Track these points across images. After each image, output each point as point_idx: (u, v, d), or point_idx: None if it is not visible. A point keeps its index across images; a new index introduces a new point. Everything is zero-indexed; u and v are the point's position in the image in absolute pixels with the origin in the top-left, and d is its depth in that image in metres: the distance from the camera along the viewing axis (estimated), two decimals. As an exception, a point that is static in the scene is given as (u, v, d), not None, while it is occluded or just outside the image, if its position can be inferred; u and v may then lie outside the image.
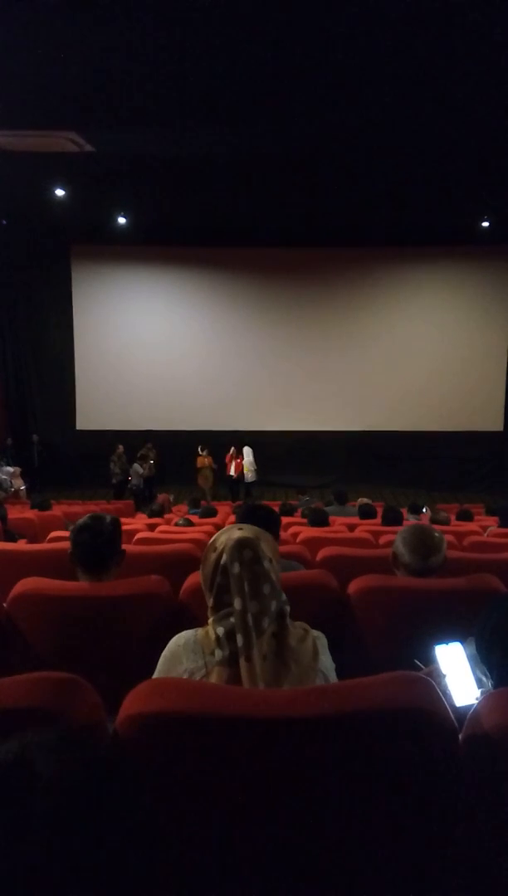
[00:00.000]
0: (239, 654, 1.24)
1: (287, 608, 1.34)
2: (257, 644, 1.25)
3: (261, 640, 1.27)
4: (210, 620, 1.34)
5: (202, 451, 12.67)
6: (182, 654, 1.33)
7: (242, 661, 1.24)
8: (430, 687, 1.09)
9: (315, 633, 1.39)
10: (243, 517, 2.40)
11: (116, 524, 2.22)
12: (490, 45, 6.14)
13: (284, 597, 1.34)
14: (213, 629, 1.31)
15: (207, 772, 1.03)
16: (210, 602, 1.35)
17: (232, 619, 1.28)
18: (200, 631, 1.37)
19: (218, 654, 1.27)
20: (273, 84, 7.11)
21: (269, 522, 2.38)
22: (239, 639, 1.25)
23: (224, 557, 1.32)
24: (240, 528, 1.38)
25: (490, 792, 1.06)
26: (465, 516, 6.86)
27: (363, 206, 11.74)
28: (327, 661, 1.36)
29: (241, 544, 1.32)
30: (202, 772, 1.03)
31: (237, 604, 1.27)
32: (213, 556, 1.36)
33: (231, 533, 1.37)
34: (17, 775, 0.60)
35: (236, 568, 1.29)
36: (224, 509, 8.35)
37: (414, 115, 7.79)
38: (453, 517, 6.65)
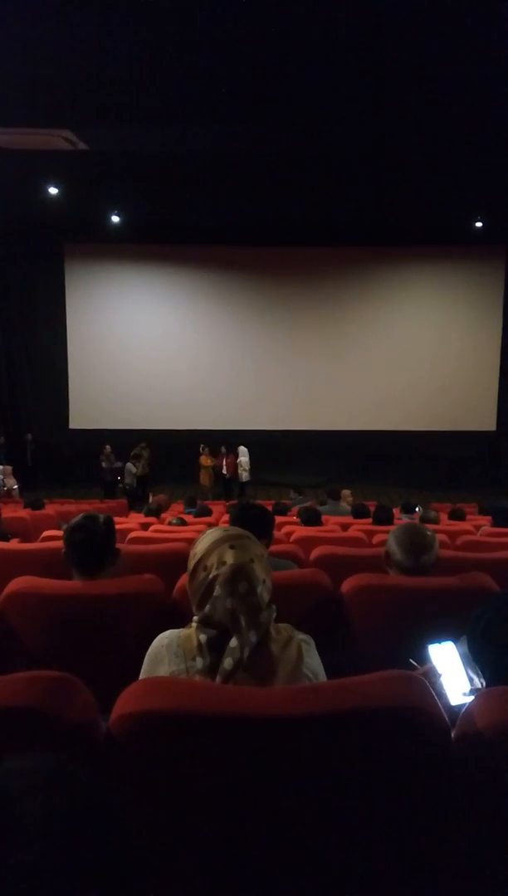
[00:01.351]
0: (220, 673, 1.22)
1: (273, 615, 1.30)
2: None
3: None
4: (194, 625, 1.30)
5: (203, 450, 12.73)
6: (165, 655, 1.30)
7: (219, 679, 1.21)
8: (423, 686, 1.09)
9: (301, 636, 1.35)
10: (237, 517, 2.40)
11: (109, 524, 2.22)
12: (486, 45, 6.16)
13: (273, 606, 1.30)
14: (196, 634, 1.27)
15: (200, 770, 1.03)
16: (196, 612, 1.32)
17: (215, 630, 1.25)
18: (183, 632, 1.33)
19: (199, 661, 1.24)
20: (269, 82, 7.10)
21: (262, 522, 2.39)
22: (228, 662, 1.21)
23: (217, 590, 1.25)
24: (231, 546, 1.29)
25: (483, 791, 1.06)
26: (458, 515, 6.88)
27: (356, 206, 11.76)
28: (313, 664, 1.32)
29: (235, 576, 1.25)
30: (196, 770, 1.03)
31: (234, 642, 1.22)
32: (202, 575, 1.29)
33: (222, 553, 1.29)
34: None
35: (229, 603, 1.24)
36: (218, 508, 8.35)
37: (409, 114, 7.80)
38: (445, 516, 6.67)
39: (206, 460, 12.69)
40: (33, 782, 0.57)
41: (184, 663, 1.27)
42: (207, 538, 1.35)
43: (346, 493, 8.30)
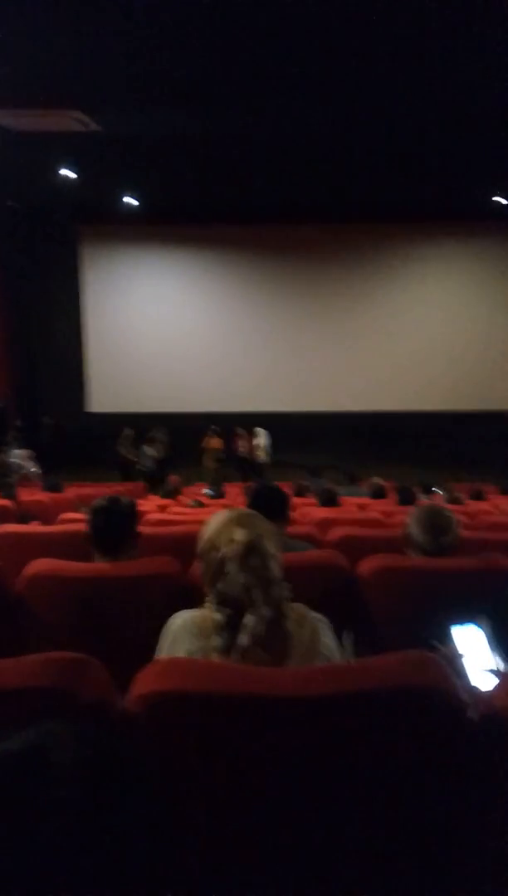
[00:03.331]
0: (235, 650, 1.23)
1: (286, 593, 1.31)
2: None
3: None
4: (209, 605, 1.32)
5: (211, 431, 12.72)
6: (181, 634, 1.32)
7: (235, 656, 1.22)
8: (440, 667, 1.08)
9: (315, 615, 1.37)
10: (254, 498, 2.40)
11: (132, 506, 2.23)
12: (501, 13, 5.97)
13: (285, 583, 1.31)
14: (211, 614, 1.29)
15: (217, 750, 1.03)
16: (209, 593, 1.33)
17: (230, 609, 1.26)
18: (198, 612, 1.35)
19: (215, 640, 1.26)
20: (279, 59, 6.96)
21: (279, 503, 2.38)
22: (243, 638, 1.22)
23: (229, 566, 1.26)
24: (240, 524, 1.32)
25: (503, 771, 1.05)
26: (478, 496, 6.83)
27: (371, 183, 11.57)
28: (328, 642, 1.33)
29: (247, 551, 1.27)
30: (212, 750, 1.04)
31: (248, 619, 1.23)
32: (213, 555, 1.31)
33: (231, 531, 1.31)
34: (33, 764, 0.61)
35: (242, 578, 1.25)
36: (235, 490, 8.37)
37: (422, 86, 7.61)
38: (466, 496, 6.63)
39: (211, 442, 12.65)
40: (65, 739, 0.64)
41: (200, 642, 1.29)
42: (215, 520, 1.38)
43: (375, 480, 8.00)
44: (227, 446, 12.73)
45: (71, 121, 8.31)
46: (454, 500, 5.88)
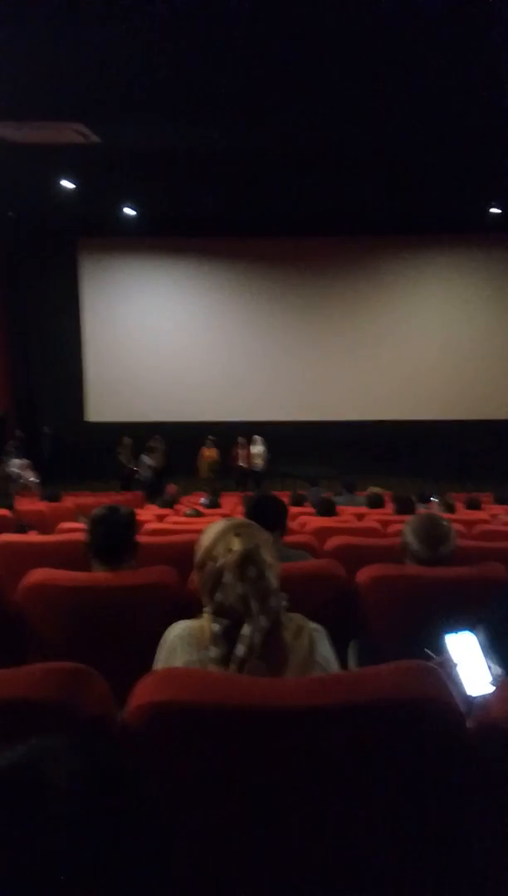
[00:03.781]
0: (233, 661, 1.23)
1: (284, 603, 1.31)
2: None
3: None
4: (206, 615, 1.32)
5: (209, 441, 12.75)
6: (178, 645, 1.31)
7: (232, 667, 1.23)
8: (437, 676, 1.09)
9: (313, 625, 1.36)
10: (252, 508, 2.40)
11: (131, 516, 2.23)
12: (498, 27, 6.04)
13: (282, 593, 1.31)
14: (208, 624, 1.29)
15: (215, 761, 1.04)
16: (207, 603, 1.33)
17: (228, 620, 1.26)
18: (195, 623, 1.35)
19: (213, 651, 1.26)
20: (278, 73, 7.03)
21: (277, 513, 2.39)
22: (240, 649, 1.22)
23: (226, 577, 1.27)
24: (237, 534, 1.32)
25: (500, 781, 1.06)
26: (474, 505, 6.84)
27: (370, 195, 11.63)
28: (325, 652, 1.33)
29: (244, 561, 1.27)
30: (211, 761, 1.04)
31: (246, 629, 1.23)
32: (210, 565, 1.31)
33: (228, 541, 1.31)
34: (27, 779, 0.61)
35: (239, 588, 1.25)
36: (233, 500, 8.37)
37: (419, 99, 7.68)
38: (461, 506, 6.63)
39: (207, 452, 12.70)
40: (58, 754, 0.65)
41: (197, 653, 1.29)
42: (211, 530, 1.37)
43: (373, 490, 8.01)
44: (223, 456, 12.76)
45: (71, 132, 8.37)
46: (447, 508, 5.90)
